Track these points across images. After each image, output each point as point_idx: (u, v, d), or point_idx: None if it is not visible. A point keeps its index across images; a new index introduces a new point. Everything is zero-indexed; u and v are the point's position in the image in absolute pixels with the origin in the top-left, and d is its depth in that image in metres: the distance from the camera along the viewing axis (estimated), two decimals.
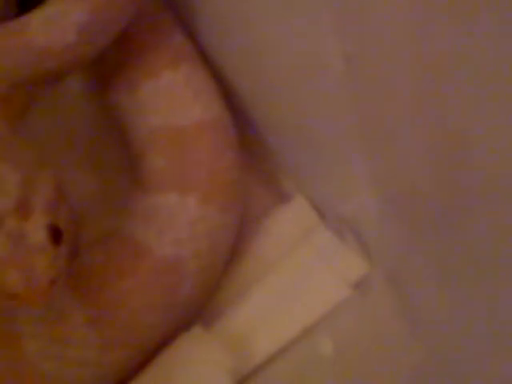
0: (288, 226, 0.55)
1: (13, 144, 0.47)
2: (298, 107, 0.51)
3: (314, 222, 0.55)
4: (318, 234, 0.54)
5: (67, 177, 0.57)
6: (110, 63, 0.54)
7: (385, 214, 0.49)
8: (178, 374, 0.49)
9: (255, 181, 0.58)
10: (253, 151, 0.57)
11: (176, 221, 0.50)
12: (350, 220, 0.53)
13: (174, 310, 0.50)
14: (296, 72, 0.49)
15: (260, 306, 0.51)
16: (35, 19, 0.48)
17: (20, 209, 0.43)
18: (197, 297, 0.52)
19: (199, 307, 0.52)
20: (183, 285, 0.50)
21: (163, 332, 0.50)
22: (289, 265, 0.53)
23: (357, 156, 0.49)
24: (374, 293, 0.50)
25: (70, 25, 0.47)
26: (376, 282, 0.50)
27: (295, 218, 0.56)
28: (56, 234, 0.43)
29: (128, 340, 0.49)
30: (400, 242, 0.50)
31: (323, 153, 0.52)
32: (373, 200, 0.50)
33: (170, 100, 0.53)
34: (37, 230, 0.42)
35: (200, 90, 0.53)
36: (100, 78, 0.56)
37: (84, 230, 0.56)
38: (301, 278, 0.52)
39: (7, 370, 0.47)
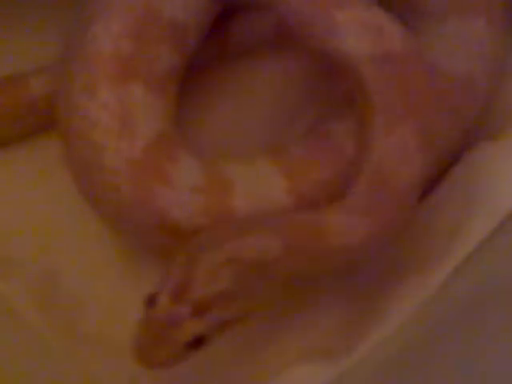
0: None
1: None
2: None
3: None
4: None
5: None
6: None
7: None
8: (477, 181, 0.52)
9: None
10: None
11: (467, 41, 0.54)
12: None
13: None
14: None
15: None
16: None
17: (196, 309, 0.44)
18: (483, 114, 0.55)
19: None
20: (475, 103, 0.54)
21: (452, 142, 0.54)
22: None
23: None
24: None
25: None
26: None
27: None
28: (197, 343, 0.44)
29: None
30: None
31: None
32: None
33: None
34: (183, 336, 0.44)
35: None
36: None
37: None
38: None
39: None
